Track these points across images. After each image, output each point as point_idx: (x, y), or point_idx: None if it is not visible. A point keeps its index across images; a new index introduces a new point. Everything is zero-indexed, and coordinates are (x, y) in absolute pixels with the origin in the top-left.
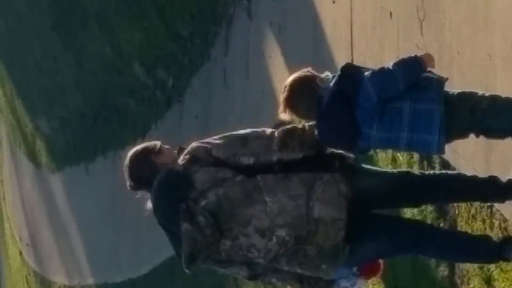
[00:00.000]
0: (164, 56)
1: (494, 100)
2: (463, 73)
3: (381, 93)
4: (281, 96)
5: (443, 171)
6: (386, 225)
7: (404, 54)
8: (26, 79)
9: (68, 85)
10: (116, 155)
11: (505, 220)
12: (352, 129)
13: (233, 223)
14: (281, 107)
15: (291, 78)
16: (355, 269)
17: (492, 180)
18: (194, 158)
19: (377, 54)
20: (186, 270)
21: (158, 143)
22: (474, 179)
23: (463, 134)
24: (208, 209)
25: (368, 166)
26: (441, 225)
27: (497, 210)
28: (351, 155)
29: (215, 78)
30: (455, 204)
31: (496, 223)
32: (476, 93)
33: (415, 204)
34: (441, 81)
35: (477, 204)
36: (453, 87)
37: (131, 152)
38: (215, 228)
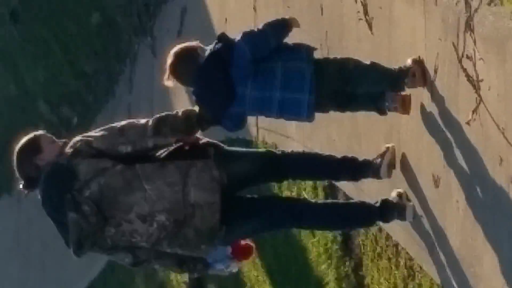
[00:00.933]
0: (68, 93)
1: (359, 62)
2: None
3: (254, 50)
4: (166, 64)
5: (303, 151)
6: (260, 202)
7: None
8: None
9: None
10: (21, 192)
11: (411, 259)
12: (227, 87)
13: (116, 210)
14: (166, 74)
15: (173, 49)
16: (229, 252)
17: (348, 159)
18: (76, 151)
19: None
20: (75, 256)
21: (38, 138)
22: (331, 158)
23: (329, 102)
24: (92, 198)
25: (236, 148)
26: (347, 263)
27: (403, 248)
28: (228, 131)
29: (120, 115)
30: (361, 243)
31: (402, 261)
32: (341, 58)
33: (279, 180)
34: (310, 47)
35: (382, 242)
36: (357, 127)
37: (14, 152)
38: (99, 215)
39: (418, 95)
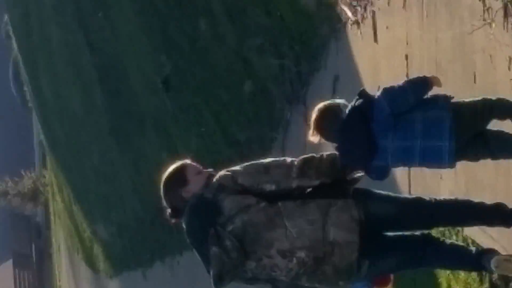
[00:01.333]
0: (221, 161)
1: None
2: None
3: (393, 105)
4: (311, 120)
5: (453, 198)
6: (399, 241)
7: None
8: (84, 184)
9: (125, 190)
10: (174, 260)
11: None
12: (368, 141)
13: (257, 245)
14: (311, 130)
15: (318, 106)
16: (368, 285)
17: (499, 206)
18: (221, 186)
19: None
20: (215, 287)
21: (185, 169)
22: (482, 204)
23: (473, 148)
24: (234, 233)
25: (380, 191)
26: None
27: None
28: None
29: None
30: None
31: None
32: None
33: (426, 228)
34: (447, 96)
35: None
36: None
37: (162, 182)
38: (240, 251)
39: None
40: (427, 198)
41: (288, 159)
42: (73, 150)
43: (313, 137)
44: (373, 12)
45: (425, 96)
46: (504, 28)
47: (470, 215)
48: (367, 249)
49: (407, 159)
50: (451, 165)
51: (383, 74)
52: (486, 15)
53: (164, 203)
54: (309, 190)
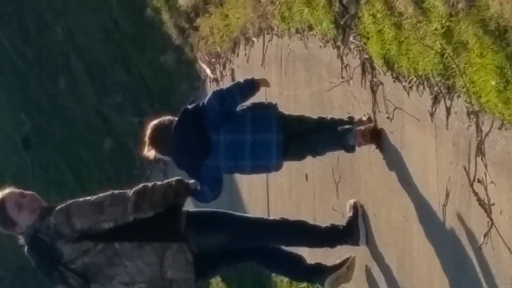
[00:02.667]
0: None
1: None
2: (380, 234)
3: (222, 103)
4: (146, 137)
5: (284, 219)
6: (228, 255)
7: (321, 215)
8: None
9: None
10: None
11: None
12: (202, 135)
13: (100, 278)
14: (146, 146)
15: (152, 122)
16: None
17: (328, 230)
18: (59, 233)
19: (293, 215)
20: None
21: (5, 209)
22: (315, 229)
23: (297, 146)
24: (77, 271)
25: (211, 212)
26: None
27: None
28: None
29: None
30: None
31: None
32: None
33: (257, 245)
34: (273, 103)
35: None
36: (372, 249)
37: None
38: (84, 285)
39: (430, 221)
40: (258, 218)
41: (121, 193)
42: None
43: (149, 153)
44: (232, 70)
45: (253, 100)
46: (362, 86)
47: (300, 238)
48: (201, 271)
49: (238, 156)
50: (279, 164)
51: None
52: (344, 73)
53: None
54: (143, 229)
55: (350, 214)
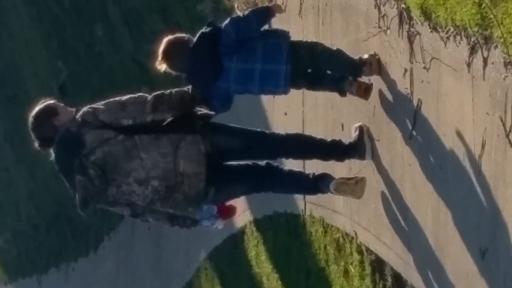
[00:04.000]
0: None
1: (327, 47)
2: (415, 185)
3: (238, 31)
4: (159, 50)
5: (293, 133)
6: (243, 170)
7: (356, 165)
8: None
9: (21, 196)
10: (69, 266)
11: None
12: (215, 60)
13: (117, 174)
14: (159, 59)
15: (168, 37)
16: (215, 211)
17: (335, 143)
18: (84, 121)
19: (329, 166)
20: (81, 212)
21: (53, 104)
22: (322, 141)
23: (301, 78)
24: (97, 163)
25: (229, 125)
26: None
27: None
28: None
29: None
30: None
31: None
32: (311, 41)
33: (269, 158)
34: (285, 31)
35: None
36: (405, 200)
37: (31, 115)
38: (102, 178)
39: (465, 171)
40: (270, 131)
41: (143, 95)
42: None
43: (160, 66)
44: None
45: (267, 27)
46: (399, 35)
47: (309, 150)
48: (213, 177)
49: (248, 81)
50: (286, 90)
51: None
52: (381, 23)
53: (34, 135)
54: (163, 124)
55: (356, 133)
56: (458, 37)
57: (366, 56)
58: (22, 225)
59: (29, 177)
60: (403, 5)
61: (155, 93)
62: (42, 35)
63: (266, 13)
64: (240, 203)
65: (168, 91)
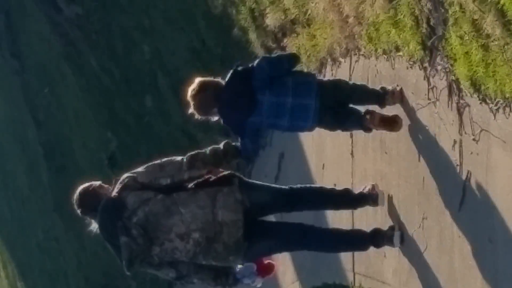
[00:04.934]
0: None
1: (348, 82)
2: (464, 257)
3: (271, 67)
4: (190, 94)
5: (308, 185)
6: (276, 226)
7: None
8: (28, 261)
9: (70, 267)
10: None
11: None
12: (250, 94)
13: (159, 231)
14: (192, 106)
15: (197, 81)
16: (254, 269)
17: (346, 192)
18: (124, 185)
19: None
20: (127, 273)
21: (96, 190)
22: (332, 191)
23: (329, 115)
24: (139, 223)
25: (257, 182)
26: None
27: None
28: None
29: None
30: None
31: None
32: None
33: (290, 211)
34: (310, 71)
35: None
36: (454, 272)
37: (80, 188)
38: (146, 237)
39: None
40: (287, 188)
41: (179, 157)
42: (18, 226)
43: (194, 113)
44: None
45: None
46: (448, 107)
47: (324, 200)
48: (247, 232)
49: (279, 115)
50: (312, 127)
51: (328, 152)
52: (430, 94)
53: (76, 205)
54: (199, 181)
55: (368, 187)
56: (507, 109)
57: (389, 87)
58: None
59: (79, 248)
60: (452, 77)
61: (190, 153)
62: (92, 106)
63: (296, 59)
64: (288, 273)
65: (203, 150)
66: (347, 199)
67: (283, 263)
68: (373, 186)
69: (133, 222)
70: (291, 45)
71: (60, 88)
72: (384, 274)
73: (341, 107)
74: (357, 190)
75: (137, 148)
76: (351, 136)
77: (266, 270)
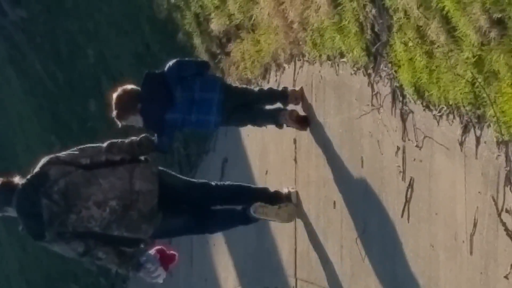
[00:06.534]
0: None
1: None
2: (406, 264)
3: (180, 67)
4: (114, 105)
5: (230, 183)
6: (188, 208)
7: (348, 243)
8: None
9: (12, 271)
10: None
11: None
12: (164, 91)
13: (77, 200)
14: (116, 113)
15: (118, 91)
16: (157, 257)
17: (264, 189)
18: (48, 162)
19: (320, 243)
20: (36, 241)
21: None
22: (249, 188)
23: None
24: (60, 191)
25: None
26: None
27: None
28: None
29: None
30: None
31: None
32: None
33: (206, 203)
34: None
35: None
36: (396, 278)
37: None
38: (65, 202)
39: (457, 250)
40: (212, 183)
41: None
42: None
43: (119, 118)
44: None
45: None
46: (392, 114)
47: (241, 198)
48: (162, 205)
49: (188, 111)
50: (217, 123)
51: (271, 157)
52: (374, 100)
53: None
54: (117, 160)
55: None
56: (451, 116)
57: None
58: None
59: (20, 251)
60: (396, 83)
61: (110, 141)
62: (36, 110)
63: (205, 65)
64: (230, 278)
65: (120, 140)
66: (264, 196)
67: (225, 268)
68: (288, 188)
69: (54, 190)
70: (235, 50)
71: (3, 91)
72: (326, 279)
73: (250, 107)
74: (273, 189)
75: None
76: (295, 142)
77: (169, 258)
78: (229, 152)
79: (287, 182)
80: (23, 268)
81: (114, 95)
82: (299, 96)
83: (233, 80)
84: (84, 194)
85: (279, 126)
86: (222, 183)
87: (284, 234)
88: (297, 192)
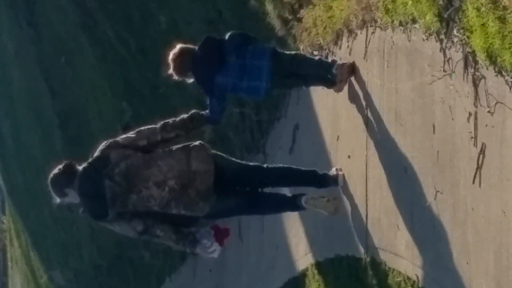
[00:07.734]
0: None
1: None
2: (477, 230)
3: (242, 37)
4: (171, 60)
5: (281, 166)
6: (240, 190)
7: (419, 209)
8: (41, 230)
9: (83, 237)
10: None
11: None
12: (218, 55)
13: (138, 180)
14: (171, 68)
15: (175, 48)
16: (212, 234)
17: (312, 172)
18: (107, 146)
19: (391, 209)
20: (97, 220)
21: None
22: (299, 170)
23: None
24: (121, 173)
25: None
26: None
27: None
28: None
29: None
30: None
31: None
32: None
33: (258, 186)
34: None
35: None
36: (467, 244)
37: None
38: (127, 183)
39: None
40: (263, 165)
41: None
42: (32, 196)
43: (172, 74)
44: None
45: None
46: (464, 79)
47: (291, 180)
48: (216, 186)
49: (239, 76)
50: (268, 89)
51: (342, 124)
52: (446, 66)
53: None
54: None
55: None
56: None
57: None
58: (84, 265)
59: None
60: (468, 49)
61: (162, 121)
62: (107, 76)
63: (257, 39)
64: (301, 245)
65: (172, 119)
66: (313, 178)
67: (296, 235)
68: (337, 170)
69: (116, 172)
70: (307, 16)
71: (76, 58)
72: (397, 246)
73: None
74: (322, 172)
75: (151, 119)
76: (366, 108)
77: (222, 234)
78: (301, 119)
79: (357, 149)
80: (94, 234)
81: (171, 53)
82: (345, 72)
83: (305, 46)
84: (145, 175)
85: (330, 84)
86: (273, 165)
87: (355, 201)
88: (344, 175)
